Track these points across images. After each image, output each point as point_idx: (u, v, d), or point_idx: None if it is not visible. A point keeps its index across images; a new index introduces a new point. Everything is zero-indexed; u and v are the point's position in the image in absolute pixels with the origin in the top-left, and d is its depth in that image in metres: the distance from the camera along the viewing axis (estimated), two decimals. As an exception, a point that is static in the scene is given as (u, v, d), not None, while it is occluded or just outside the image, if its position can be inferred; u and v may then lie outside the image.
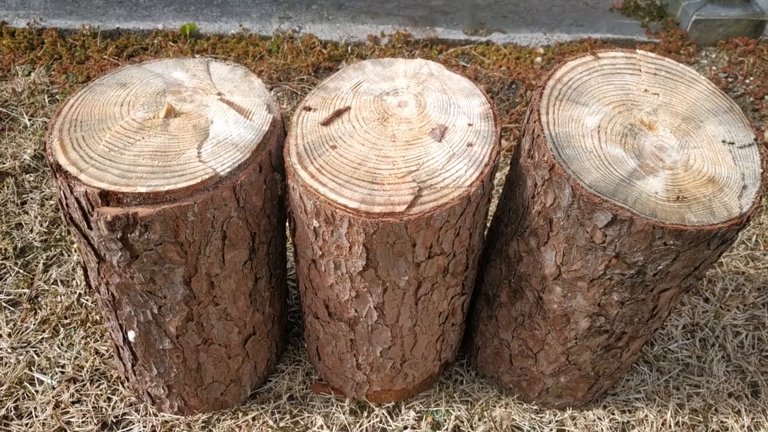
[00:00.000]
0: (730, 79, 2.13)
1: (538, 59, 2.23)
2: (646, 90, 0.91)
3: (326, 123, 0.89)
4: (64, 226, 1.39)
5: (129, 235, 0.81)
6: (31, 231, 1.36)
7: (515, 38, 2.32)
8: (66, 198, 0.82)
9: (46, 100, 1.74)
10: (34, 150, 1.57)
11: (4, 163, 1.53)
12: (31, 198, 1.44)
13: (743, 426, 1.15)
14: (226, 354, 1.03)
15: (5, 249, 1.32)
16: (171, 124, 0.87)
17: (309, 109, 0.91)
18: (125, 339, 0.98)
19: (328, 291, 0.93)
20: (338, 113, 0.90)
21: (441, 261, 0.88)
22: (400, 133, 0.87)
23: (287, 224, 0.97)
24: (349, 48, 2.17)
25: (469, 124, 0.89)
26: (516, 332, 1.04)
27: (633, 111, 0.88)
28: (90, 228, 0.82)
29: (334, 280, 0.90)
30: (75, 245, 1.34)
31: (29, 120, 1.67)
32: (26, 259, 1.31)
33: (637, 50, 0.96)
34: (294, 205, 0.87)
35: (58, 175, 0.81)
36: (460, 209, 0.82)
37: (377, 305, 0.92)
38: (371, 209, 0.78)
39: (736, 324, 1.31)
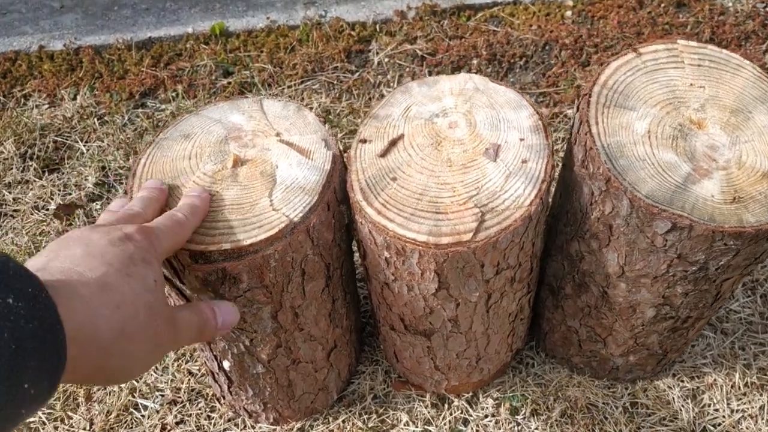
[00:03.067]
0: (769, 10, 2.08)
1: (569, 13, 2.20)
2: (691, 84, 0.92)
3: (383, 155, 0.93)
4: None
5: (220, 287, 0.88)
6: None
7: (543, -5, 2.28)
8: (156, 258, 0.89)
9: (96, 123, 1.81)
10: (96, 177, 1.64)
11: (70, 194, 1.62)
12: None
13: (811, 380, 1.19)
14: (313, 369, 1.10)
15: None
16: (239, 173, 0.93)
17: (365, 141, 0.96)
18: (220, 367, 1.07)
19: (402, 308, 0.99)
20: (393, 143, 0.94)
21: (508, 273, 0.93)
22: (455, 157, 0.91)
23: (356, 249, 1.03)
24: (377, 26, 2.17)
25: (521, 139, 0.92)
26: (583, 321, 1.09)
27: (681, 109, 0.90)
28: (182, 283, 0.89)
29: (408, 300, 0.96)
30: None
31: (84, 146, 1.74)
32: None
33: (678, 40, 0.97)
34: (363, 237, 0.93)
35: (146, 238, 0.87)
36: (522, 229, 0.86)
37: (451, 318, 0.97)
38: (439, 241, 0.83)
39: (796, 276, 1.34)
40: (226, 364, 1.05)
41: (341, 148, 1.66)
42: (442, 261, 0.85)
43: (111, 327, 0.51)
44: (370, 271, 0.99)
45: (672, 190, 0.82)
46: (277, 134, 0.99)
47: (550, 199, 1.03)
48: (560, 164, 1.07)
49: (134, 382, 1.25)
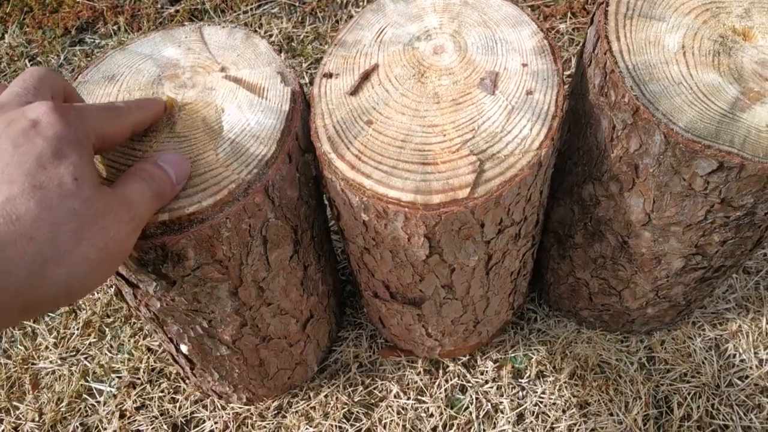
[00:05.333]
0: None
1: None
2: (732, -16, 0.74)
3: (354, 92, 0.75)
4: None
5: (161, 266, 0.71)
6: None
7: None
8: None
9: (29, 64, 1.59)
10: (32, 128, 1.44)
11: None
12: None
13: None
14: (287, 343, 0.95)
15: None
16: (176, 121, 0.74)
17: (330, 75, 0.77)
18: (178, 350, 0.91)
19: (387, 275, 0.83)
20: (366, 76, 0.76)
21: (512, 230, 0.77)
22: (443, 90, 0.73)
23: (328, 207, 0.86)
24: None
25: (524, 64, 0.74)
26: (596, 272, 0.95)
27: (720, 17, 0.72)
28: (114, 263, 0.73)
29: (393, 267, 0.80)
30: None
31: (18, 92, 1.52)
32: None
33: (713, -70, 0.78)
34: (334, 196, 0.76)
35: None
36: (531, 178, 0.69)
37: (444, 285, 0.82)
38: (429, 200, 0.66)
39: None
40: (183, 348, 0.89)
41: (302, 82, 1.46)
42: (434, 224, 0.69)
43: (26, 264, 0.44)
44: (346, 233, 0.83)
45: (717, 120, 0.65)
46: (222, 69, 0.80)
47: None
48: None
49: (87, 363, 1.10)
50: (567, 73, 1.41)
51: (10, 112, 0.50)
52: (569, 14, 1.55)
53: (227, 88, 0.77)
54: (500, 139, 0.69)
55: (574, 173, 0.86)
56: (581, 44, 0.81)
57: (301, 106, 0.77)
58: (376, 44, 0.79)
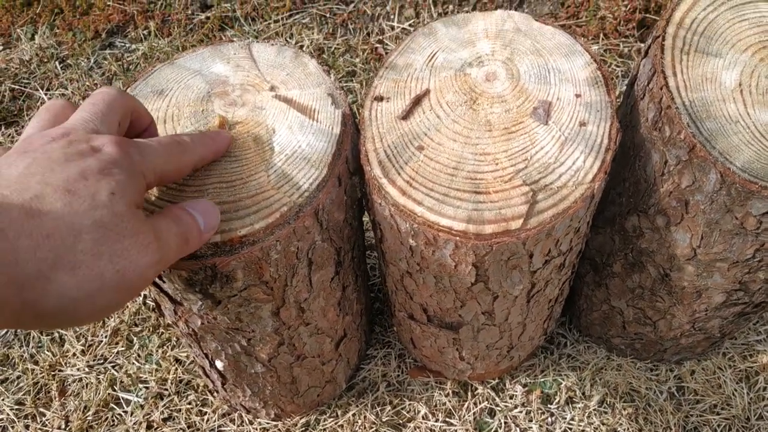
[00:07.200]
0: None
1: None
2: (789, 22, 0.74)
3: (406, 117, 0.75)
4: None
5: (209, 287, 0.71)
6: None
7: None
8: (128, 251, 0.72)
9: (58, 67, 1.60)
10: (61, 131, 1.44)
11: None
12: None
13: None
14: (320, 362, 0.95)
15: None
16: (227, 141, 0.74)
17: (381, 98, 0.77)
18: (212, 365, 0.91)
19: (426, 299, 0.83)
20: (417, 100, 0.76)
21: (558, 261, 0.77)
22: (495, 118, 0.73)
23: (372, 230, 0.86)
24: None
25: (577, 95, 0.74)
26: (632, 302, 0.94)
27: (778, 55, 0.72)
28: (163, 280, 0.73)
29: (435, 291, 0.80)
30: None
31: (46, 94, 1.53)
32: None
33: (768, -34, 0.78)
34: (381, 219, 0.76)
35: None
36: (583, 211, 0.69)
37: (485, 311, 0.82)
38: (482, 230, 0.66)
39: None
40: (219, 364, 0.89)
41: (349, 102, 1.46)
42: (484, 254, 0.68)
43: (36, 260, 0.42)
44: (388, 256, 0.82)
45: (775, 161, 0.65)
46: (272, 88, 0.80)
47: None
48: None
49: (114, 372, 1.10)
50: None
51: (74, 138, 0.50)
52: (601, 35, 1.55)
53: (278, 108, 0.77)
54: (553, 170, 0.69)
55: (618, 203, 0.85)
56: (632, 75, 0.81)
57: (351, 129, 0.77)
58: (428, 69, 0.79)
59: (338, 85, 0.80)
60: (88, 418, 1.05)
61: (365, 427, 1.02)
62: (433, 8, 1.62)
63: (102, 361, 1.12)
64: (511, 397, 1.05)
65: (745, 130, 0.67)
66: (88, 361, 1.11)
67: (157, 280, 0.73)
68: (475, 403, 1.04)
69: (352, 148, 0.76)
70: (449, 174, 0.70)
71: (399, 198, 0.69)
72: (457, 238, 0.67)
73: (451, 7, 1.63)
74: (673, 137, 0.69)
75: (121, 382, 1.09)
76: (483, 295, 0.78)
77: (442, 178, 0.69)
